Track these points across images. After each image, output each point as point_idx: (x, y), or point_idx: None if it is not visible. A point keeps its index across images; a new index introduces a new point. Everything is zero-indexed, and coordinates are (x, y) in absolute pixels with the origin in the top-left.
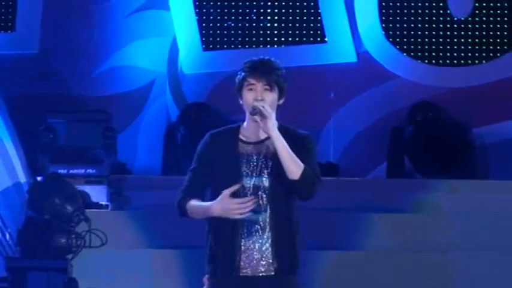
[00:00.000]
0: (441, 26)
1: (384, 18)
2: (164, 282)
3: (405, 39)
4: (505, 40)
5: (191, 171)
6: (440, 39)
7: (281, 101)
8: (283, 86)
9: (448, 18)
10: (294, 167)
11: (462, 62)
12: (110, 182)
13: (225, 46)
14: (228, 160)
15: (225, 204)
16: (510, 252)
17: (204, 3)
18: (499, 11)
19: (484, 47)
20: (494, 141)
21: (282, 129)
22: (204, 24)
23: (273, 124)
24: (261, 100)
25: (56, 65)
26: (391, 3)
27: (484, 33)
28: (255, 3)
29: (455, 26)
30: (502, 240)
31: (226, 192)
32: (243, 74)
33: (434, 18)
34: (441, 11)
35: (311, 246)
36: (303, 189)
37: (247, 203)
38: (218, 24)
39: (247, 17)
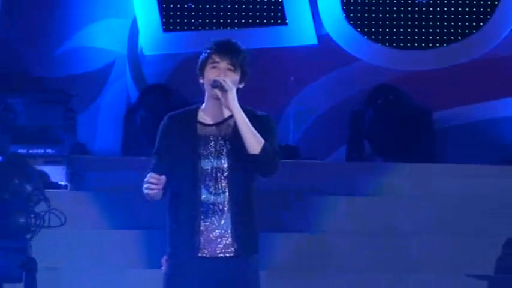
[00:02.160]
0: (402, 8)
1: (344, 0)
2: (123, 263)
3: (366, 22)
4: (467, 23)
5: (154, 154)
6: (402, 22)
7: (241, 85)
8: (245, 70)
9: (409, 1)
10: (254, 141)
11: (423, 45)
12: (69, 162)
13: (186, 27)
14: (186, 142)
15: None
16: (469, 234)
17: None
18: None
19: (445, 30)
20: (453, 125)
21: (242, 110)
22: (164, 5)
23: (233, 98)
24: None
25: (15, 45)
26: None
27: (445, 16)
28: None
29: (417, 8)
30: (461, 224)
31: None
32: (208, 51)
33: (395, 1)
34: None
35: (269, 229)
36: (264, 164)
37: (152, 182)
38: (178, 6)
39: None
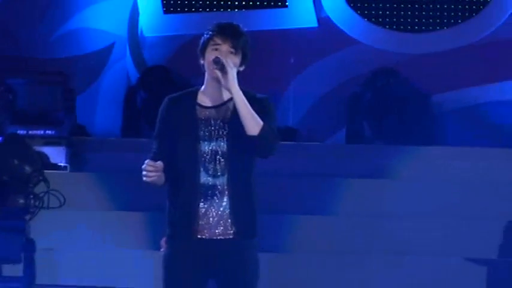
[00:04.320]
0: None
1: None
2: (122, 244)
3: (366, 5)
4: (466, 7)
5: (155, 137)
6: (402, 5)
7: (242, 67)
8: (246, 53)
9: None
10: (253, 122)
11: (423, 28)
12: (69, 143)
13: (186, 9)
14: (186, 125)
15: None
16: (467, 217)
17: None
18: None
19: (445, 13)
20: (453, 108)
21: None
22: None
23: (233, 79)
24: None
25: (15, 28)
26: None
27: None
28: None
29: None
30: (460, 206)
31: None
32: (210, 33)
33: None
34: None
35: (269, 211)
36: (262, 145)
37: (148, 170)
38: None
39: None
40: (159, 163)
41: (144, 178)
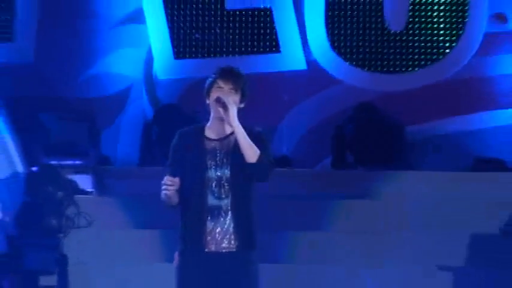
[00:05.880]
0: (379, 38)
1: (330, 31)
2: (141, 257)
3: (348, 49)
4: (435, 50)
5: (168, 166)
6: (379, 49)
7: (242, 105)
8: (245, 92)
9: (385, 32)
10: (251, 152)
11: (397, 69)
12: (95, 172)
13: (194, 55)
14: (195, 155)
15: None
16: (435, 227)
17: (175, 18)
18: (429, 25)
19: (416, 57)
20: (424, 137)
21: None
22: (175, 36)
23: (234, 115)
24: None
25: (47, 71)
26: (336, 19)
27: (416, 44)
28: (219, 18)
29: (392, 38)
30: (430, 218)
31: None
32: (213, 76)
33: (373, 32)
34: (379, 25)
35: (268, 227)
36: (259, 171)
37: (168, 184)
38: (187, 36)
39: (212, 30)
40: (177, 179)
41: (163, 192)
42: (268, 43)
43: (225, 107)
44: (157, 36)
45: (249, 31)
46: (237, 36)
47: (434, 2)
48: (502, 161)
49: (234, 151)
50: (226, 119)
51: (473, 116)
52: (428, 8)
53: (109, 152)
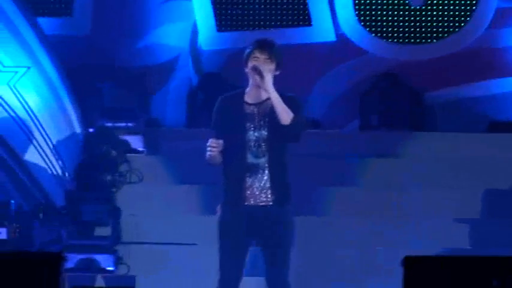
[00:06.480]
0: (401, 13)
1: (357, 6)
2: (188, 210)
3: (374, 23)
4: (451, 24)
5: (212, 127)
6: (401, 23)
7: (277, 72)
8: (280, 61)
9: (407, 6)
10: (285, 115)
11: (417, 40)
12: (145, 133)
13: (234, 28)
14: (235, 118)
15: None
16: (452, 187)
17: None
18: (446, 1)
19: (434, 29)
20: (442, 102)
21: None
22: (217, 11)
23: (269, 81)
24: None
25: (103, 41)
26: None
27: (434, 18)
28: None
29: (412, 12)
30: (445, 178)
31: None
32: (251, 47)
33: (396, 7)
34: (401, 1)
35: (299, 184)
36: (293, 132)
37: (212, 146)
38: (229, 11)
39: (251, 5)
40: (221, 141)
41: (208, 152)
42: (301, 17)
43: (261, 75)
44: (201, 11)
45: (284, 6)
46: (273, 12)
47: None
48: None
49: (270, 114)
50: (263, 86)
51: (487, 82)
52: None
53: (158, 115)
